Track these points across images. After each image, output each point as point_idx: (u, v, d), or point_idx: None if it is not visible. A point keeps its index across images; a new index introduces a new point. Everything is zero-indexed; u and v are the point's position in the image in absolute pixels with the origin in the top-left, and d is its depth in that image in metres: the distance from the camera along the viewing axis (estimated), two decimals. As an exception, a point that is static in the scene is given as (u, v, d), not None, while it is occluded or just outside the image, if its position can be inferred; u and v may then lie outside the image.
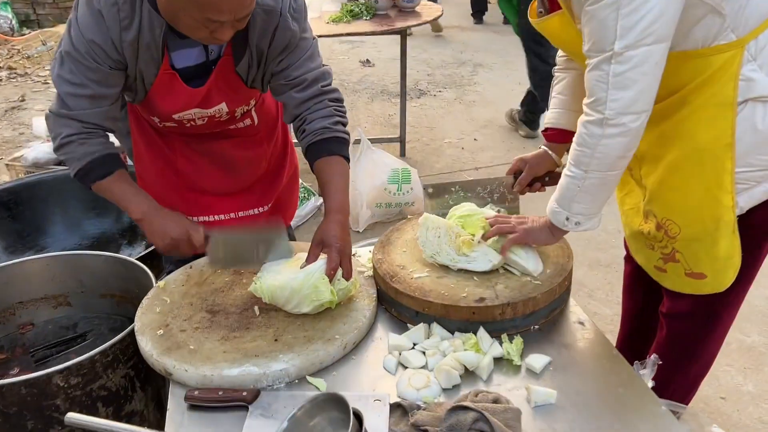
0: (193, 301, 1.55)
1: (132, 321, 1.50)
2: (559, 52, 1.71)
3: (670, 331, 1.66)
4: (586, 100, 1.33)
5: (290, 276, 1.44)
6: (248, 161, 1.91)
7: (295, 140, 1.91)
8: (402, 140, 4.16)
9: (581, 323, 1.47)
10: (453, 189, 1.67)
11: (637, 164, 1.52)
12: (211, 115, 1.68)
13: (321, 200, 2.58)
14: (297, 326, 1.44)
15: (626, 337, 1.95)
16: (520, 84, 5.77)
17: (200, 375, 1.30)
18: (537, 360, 1.33)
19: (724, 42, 1.28)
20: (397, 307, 1.50)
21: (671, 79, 1.31)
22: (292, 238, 2.26)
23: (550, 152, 1.72)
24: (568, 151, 1.44)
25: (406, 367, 1.34)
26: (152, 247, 2.24)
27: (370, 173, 3.26)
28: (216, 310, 1.51)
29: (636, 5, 1.18)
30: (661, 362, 1.64)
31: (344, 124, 1.65)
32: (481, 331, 1.40)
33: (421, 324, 1.43)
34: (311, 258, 1.46)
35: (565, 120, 1.69)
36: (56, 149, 1.56)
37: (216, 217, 1.91)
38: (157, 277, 1.76)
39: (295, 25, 1.55)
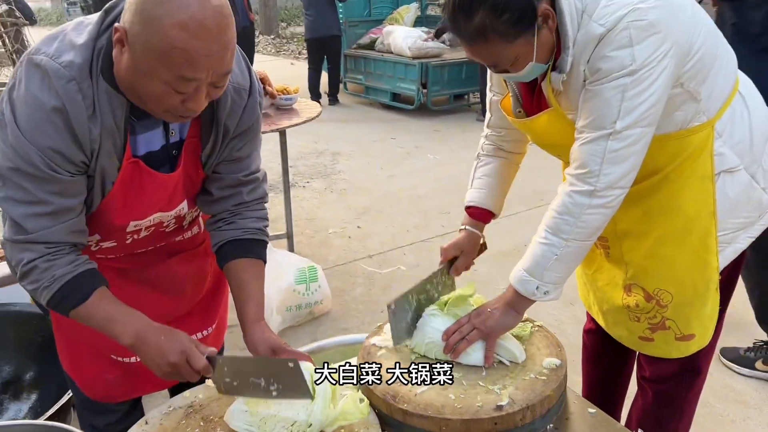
0: (167, 467, 1.30)
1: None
2: (486, 142, 1.77)
3: (657, 395, 1.71)
4: (573, 171, 1.38)
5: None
6: (193, 279, 1.69)
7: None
8: (289, 236, 4.03)
9: (591, 413, 1.45)
10: (410, 297, 1.59)
11: (617, 243, 1.58)
12: (159, 222, 1.47)
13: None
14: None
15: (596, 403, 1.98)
16: (382, 169, 5.97)
17: None
18: (574, 463, 1.28)
19: (697, 123, 1.42)
20: (407, 430, 1.37)
21: (653, 160, 1.42)
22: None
23: (477, 232, 1.73)
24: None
25: (444, 500, 1.22)
26: (61, 402, 1.89)
27: (276, 276, 3.08)
28: (199, 472, 1.28)
29: (640, 90, 1.27)
30: (642, 432, 1.67)
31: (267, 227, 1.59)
32: (508, 443, 1.32)
33: (444, 446, 1.31)
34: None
35: (491, 202, 1.73)
36: (20, 278, 1.29)
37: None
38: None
39: (258, 110, 1.45)
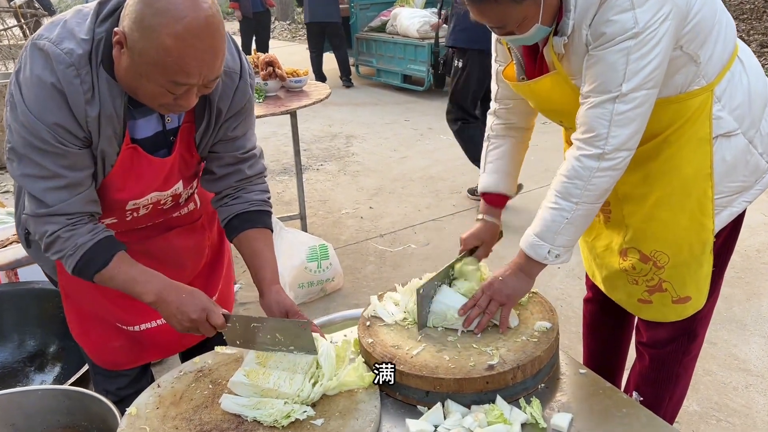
0: (177, 425, 1.38)
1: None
2: (495, 121, 1.79)
3: (654, 360, 1.75)
4: (581, 135, 1.41)
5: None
6: (192, 252, 1.78)
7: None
8: (302, 217, 4.11)
9: (582, 373, 1.50)
10: (435, 283, 1.64)
11: (618, 207, 1.63)
12: (156, 200, 1.55)
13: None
14: (307, 431, 1.33)
15: (597, 371, 2.03)
16: (395, 151, 6.01)
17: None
18: (561, 419, 1.33)
19: (697, 87, 1.45)
20: (403, 390, 1.44)
21: (654, 124, 1.45)
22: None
23: (495, 221, 1.76)
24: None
25: (436, 453, 1.29)
26: (82, 371, 1.99)
27: (288, 254, 3.17)
28: (207, 429, 1.36)
29: (644, 52, 1.30)
30: (642, 398, 1.72)
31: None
32: (500, 400, 1.38)
33: (438, 404, 1.38)
34: None
35: (504, 186, 1.76)
36: (44, 249, 1.39)
37: (159, 322, 1.73)
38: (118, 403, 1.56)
39: (249, 91, 1.52)
